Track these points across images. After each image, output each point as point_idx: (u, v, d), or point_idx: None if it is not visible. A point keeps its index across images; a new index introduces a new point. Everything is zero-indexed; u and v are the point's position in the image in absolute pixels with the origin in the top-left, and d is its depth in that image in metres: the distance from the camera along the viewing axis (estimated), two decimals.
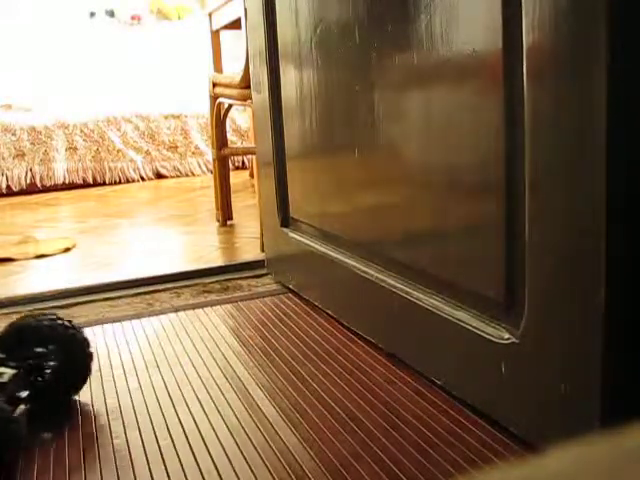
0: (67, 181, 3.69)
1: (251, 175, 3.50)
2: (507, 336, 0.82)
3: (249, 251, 1.96)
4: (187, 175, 3.96)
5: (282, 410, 0.96)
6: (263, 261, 1.69)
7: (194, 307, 1.46)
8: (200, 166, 4.00)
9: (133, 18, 4.95)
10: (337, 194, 1.28)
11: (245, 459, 0.84)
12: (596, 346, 0.69)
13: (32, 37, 4.58)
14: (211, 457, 0.85)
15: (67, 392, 1.03)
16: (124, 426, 0.95)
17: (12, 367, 0.91)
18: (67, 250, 2.12)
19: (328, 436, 0.88)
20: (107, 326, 1.39)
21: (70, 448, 0.90)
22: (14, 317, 1.49)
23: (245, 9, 1.61)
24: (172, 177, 3.92)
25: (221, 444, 0.88)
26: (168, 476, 0.81)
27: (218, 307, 1.46)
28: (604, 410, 0.70)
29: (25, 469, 0.85)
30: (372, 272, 1.15)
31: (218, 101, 2.28)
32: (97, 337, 1.33)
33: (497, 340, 0.84)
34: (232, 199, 2.42)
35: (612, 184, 0.65)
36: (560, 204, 0.71)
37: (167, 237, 2.33)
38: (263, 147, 1.57)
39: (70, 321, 1.05)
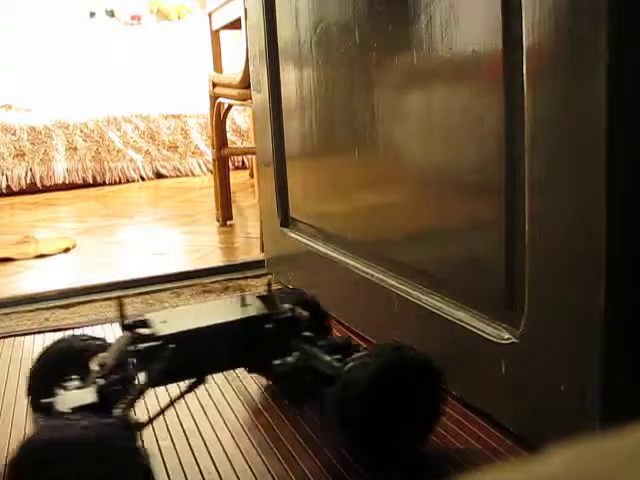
0: (67, 181, 3.69)
1: (251, 175, 3.50)
2: (507, 336, 0.82)
3: (249, 251, 1.96)
4: (187, 175, 3.96)
5: (282, 410, 0.96)
6: (263, 261, 1.69)
7: None
8: (200, 166, 4.00)
9: (133, 18, 4.96)
10: (337, 194, 1.28)
11: (245, 459, 0.84)
12: (596, 346, 0.69)
13: (32, 37, 4.58)
14: (211, 457, 0.85)
15: None
16: None
17: None
18: (67, 250, 2.12)
19: (328, 436, 0.88)
20: (107, 326, 1.39)
21: None
22: (14, 317, 1.49)
23: (245, 9, 1.61)
24: (172, 177, 3.92)
25: (221, 444, 0.88)
26: (168, 476, 0.81)
27: None
28: (604, 410, 0.70)
29: None
30: (372, 272, 1.15)
31: (218, 101, 2.28)
32: None
33: (497, 340, 0.84)
34: (232, 199, 2.42)
35: (612, 184, 0.65)
36: (560, 204, 0.71)
37: (167, 237, 2.33)
38: (263, 147, 1.57)
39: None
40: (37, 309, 1.52)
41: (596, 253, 0.67)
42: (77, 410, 0.70)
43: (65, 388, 0.75)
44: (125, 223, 2.63)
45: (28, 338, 1.35)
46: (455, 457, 0.81)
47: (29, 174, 3.63)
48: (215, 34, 2.97)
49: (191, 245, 2.17)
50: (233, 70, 2.31)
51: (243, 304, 0.88)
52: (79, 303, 1.54)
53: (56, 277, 1.81)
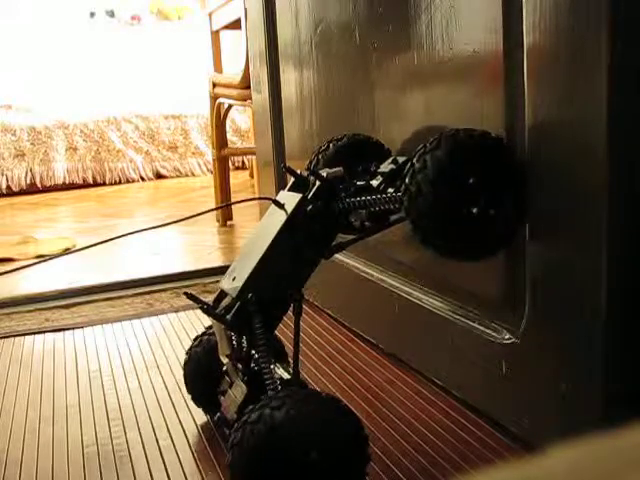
0: (67, 181, 3.69)
1: (251, 175, 3.50)
2: (507, 336, 0.82)
3: None
4: (187, 175, 3.96)
5: None
6: None
7: (194, 307, 1.46)
8: (200, 166, 4.00)
9: (133, 18, 4.96)
10: None
11: None
12: (596, 346, 0.69)
13: (32, 37, 4.58)
14: (211, 457, 0.85)
15: None
16: (124, 426, 0.95)
17: None
18: (67, 250, 2.12)
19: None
20: (107, 326, 1.39)
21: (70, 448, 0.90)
22: (14, 317, 1.49)
23: (245, 9, 1.61)
24: (172, 177, 3.92)
25: (221, 444, 0.88)
26: (168, 476, 0.81)
27: None
28: (604, 410, 0.70)
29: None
30: (372, 272, 1.15)
31: (218, 101, 2.28)
32: (97, 337, 1.33)
33: (497, 340, 0.84)
34: (232, 199, 2.42)
35: (612, 184, 0.65)
36: (560, 204, 0.71)
37: (167, 237, 2.33)
38: (263, 147, 1.57)
39: None
40: (37, 309, 1.52)
41: (596, 253, 0.67)
42: (242, 408, 0.73)
43: (223, 394, 0.83)
44: (125, 223, 2.63)
45: (28, 338, 1.35)
46: (455, 457, 0.81)
47: (29, 174, 3.63)
48: (215, 34, 2.97)
49: (191, 245, 2.17)
50: (233, 70, 2.31)
51: (281, 206, 0.83)
52: (79, 303, 1.54)
53: (56, 277, 1.81)
